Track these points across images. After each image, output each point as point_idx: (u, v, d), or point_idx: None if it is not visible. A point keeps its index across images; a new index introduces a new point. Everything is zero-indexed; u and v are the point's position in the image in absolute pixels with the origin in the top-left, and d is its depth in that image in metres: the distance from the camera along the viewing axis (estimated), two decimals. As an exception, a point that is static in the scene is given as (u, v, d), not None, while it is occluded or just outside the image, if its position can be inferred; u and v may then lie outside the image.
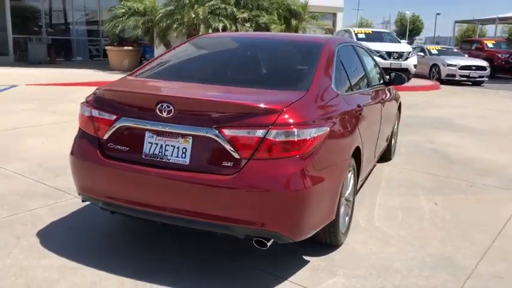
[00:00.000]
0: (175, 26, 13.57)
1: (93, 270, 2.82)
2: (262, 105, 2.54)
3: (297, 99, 2.70)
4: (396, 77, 4.97)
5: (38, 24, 20.68)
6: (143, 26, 14.11)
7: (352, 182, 3.41)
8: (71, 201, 3.86)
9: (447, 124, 8.65)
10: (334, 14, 37.91)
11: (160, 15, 13.61)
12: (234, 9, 13.49)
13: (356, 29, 17.15)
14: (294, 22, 14.84)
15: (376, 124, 4.15)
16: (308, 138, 2.56)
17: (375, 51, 15.08)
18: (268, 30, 14.21)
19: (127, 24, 14.51)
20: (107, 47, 17.07)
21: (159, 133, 2.66)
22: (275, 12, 14.22)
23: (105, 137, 2.81)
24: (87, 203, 3.38)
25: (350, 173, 3.34)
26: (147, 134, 2.69)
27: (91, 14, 21.82)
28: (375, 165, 5.29)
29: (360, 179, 3.75)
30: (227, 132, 2.50)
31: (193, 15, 12.90)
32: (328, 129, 2.73)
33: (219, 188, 2.50)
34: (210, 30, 12.80)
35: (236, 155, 2.51)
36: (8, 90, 10.66)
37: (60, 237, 3.28)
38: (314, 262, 3.06)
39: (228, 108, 2.56)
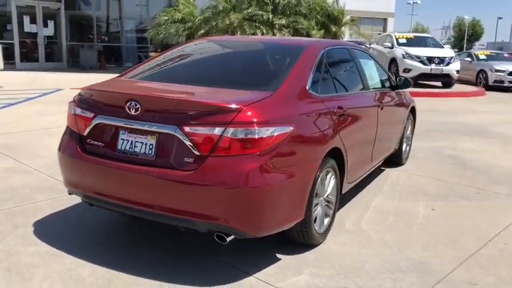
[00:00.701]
0: (213, 32, 13.90)
1: (72, 259, 3.02)
2: (221, 104, 2.65)
3: (260, 98, 2.79)
4: (402, 81, 4.92)
5: (91, 32, 21.76)
6: (183, 32, 14.55)
7: (333, 183, 3.43)
8: (73, 196, 4.10)
9: (479, 131, 8.34)
10: (385, 20, 37.33)
11: (198, 22, 13.99)
12: (271, 16, 13.63)
13: (397, 34, 16.80)
14: (332, 27, 14.77)
15: (371, 127, 4.12)
16: (267, 136, 2.63)
17: (415, 56, 14.76)
18: (308, 36, 14.24)
19: (169, 32, 15.02)
20: (152, 53, 17.72)
21: (129, 130, 2.82)
22: (313, 17, 14.23)
23: (85, 133, 3.01)
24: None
25: (329, 174, 3.36)
26: (120, 130, 2.86)
27: (140, 21, 22.70)
28: (382, 170, 5.25)
29: (348, 181, 3.75)
30: (188, 129, 2.62)
31: (228, 22, 13.17)
32: (293, 128, 2.79)
33: (180, 183, 2.63)
34: (246, 36, 13.01)
35: (196, 152, 2.62)
36: (52, 94, 11.35)
37: (52, 228, 3.52)
38: (286, 260, 3.11)
39: (189, 107, 2.68)
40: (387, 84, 4.90)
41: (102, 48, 21.52)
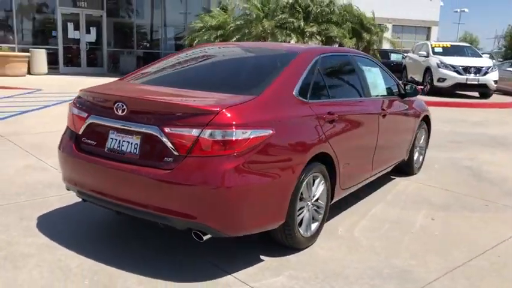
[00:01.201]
0: (245, 39, 14.10)
1: (65, 251, 3.19)
2: (200, 106, 2.76)
3: (240, 102, 2.87)
4: (410, 89, 4.88)
5: (131, 38, 22.49)
6: (215, 40, 14.82)
7: (322, 188, 3.46)
8: (80, 192, 4.32)
9: (503, 143, 8.06)
10: (429, 28, 36.52)
11: (231, 29, 14.24)
12: (302, 23, 13.69)
13: (434, 43, 16.48)
14: (365, 35, 14.66)
15: (370, 134, 4.11)
16: (243, 138, 2.71)
17: (450, 65, 14.42)
18: (340, 44, 14.20)
19: (202, 39, 15.34)
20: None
21: (117, 130, 2.98)
22: (346, 26, 14.18)
23: (80, 132, 3.19)
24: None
25: (318, 179, 3.40)
26: (110, 130, 3.02)
27: (179, 29, 23.26)
28: (392, 178, 5.19)
29: (342, 188, 3.76)
30: (168, 130, 2.74)
31: (260, 29, 13.33)
32: (272, 132, 2.85)
33: (159, 181, 2.75)
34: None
35: (175, 152, 2.73)
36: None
37: (55, 222, 3.72)
38: (268, 262, 3.17)
39: (170, 109, 2.81)
40: (395, 92, 4.87)
41: (141, 54, 22.21)
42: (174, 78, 3.65)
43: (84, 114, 3.15)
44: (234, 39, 14.12)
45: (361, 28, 14.73)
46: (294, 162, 3.04)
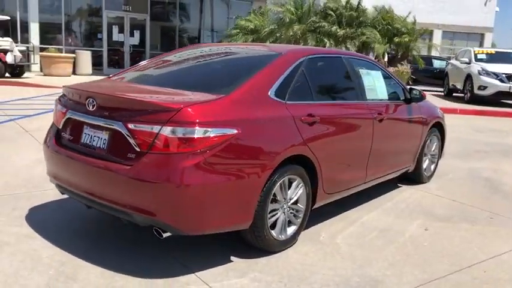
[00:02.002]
0: (278, 43, 14.09)
1: (42, 241, 3.29)
2: (162, 104, 2.78)
3: (205, 100, 2.87)
4: (414, 94, 4.71)
5: (173, 41, 23.01)
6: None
7: (301, 191, 3.39)
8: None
9: (535, 154, 7.60)
10: (482, 35, 35.08)
11: (265, 33, 14.27)
12: (333, 27, 13.51)
13: (477, 49, 15.79)
14: (398, 40, 14.27)
15: (362, 139, 3.99)
16: (203, 137, 2.70)
17: (492, 73, 13.79)
18: (372, 49, 13.90)
19: (237, 43, 15.47)
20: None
21: (90, 125, 3.05)
22: (380, 30, 13.88)
23: (60, 127, 3.29)
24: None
25: (295, 181, 3.34)
26: (84, 125, 3.09)
27: (220, 33, 23.55)
28: (398, 186, 5.01)
29: (327, 192, 3.67)
30: (131, 126, 2.77)
31: (291, 33, 13.28)
32: (236, 131, 2.83)
33: (121, 177, 2.78)
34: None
35: (137, 148, 2.76)
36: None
37: (43, 213, 3.85)
38: (236, 263, 3.14)
39: (134, 105, 2.85)
40: (399, 96, 4.70)
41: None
42: (156, 76, 3.69)
43: (64, 110, 3.25)
44: (268, 42, 14.13)
45: (397, 32, 14.31)
46: (262, 163, 2.99)
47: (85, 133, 3.09)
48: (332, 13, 13.66)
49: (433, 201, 4.73)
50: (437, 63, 22.15)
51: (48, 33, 19.37)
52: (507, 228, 4.09)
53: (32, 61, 17.93)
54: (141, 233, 3.49)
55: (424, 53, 24.16)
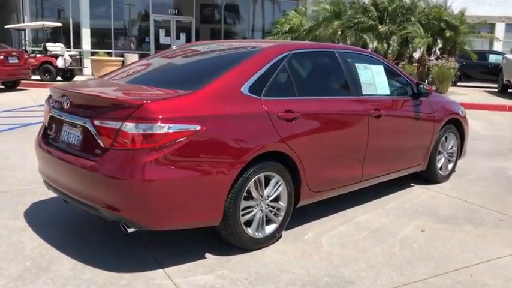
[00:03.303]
0: (316, 41, 13.90)
1: (31, 234, 3.45)
2: (124, 100, 2.85)
3: (169, 97, 2.89)
4: (421, 89, 4.49)
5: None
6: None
7: (281, 189, 3.34)
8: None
9: None
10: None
11: (304, 32, 14.13)
12: (375, 23, 13.12)
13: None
14: (449, 34, 13.63)
15: (354, 135, 3.84)
16: (163, 132, 2.72)
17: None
18: (413, 44, 13.37)
19: (277, 42, 15.44)
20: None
21: (67, 123, 3.15)
22: (425, 24, 13.32)
23: (46, 124, 3.43)
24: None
25: (273, 179, 3.29)
26: (63, 123, 3.21)
27: (263, 34, 23.64)
28: (411, 186, 4.79)
29: (313, 190, 3.58)
30: (96, 122, 2.85)
31: (330, 30, 13.05)
32: (200, 127, 2.82)
33: (88, 172, 2.86)
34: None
35: (102, 144, 2.83)
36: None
37: (43, 208, 4.02)
38: (209, 259, 3.14)
39: (100, 102, 2.93)
40: (405, 92, 4.50)
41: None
42: (139, 75, 3.75)
43: (48, 108, 3.39)
44: (307, 41, 13.99)
45: (446, 26, 13.65)
46: (229, 159, 2.96)
47: (63, 130, 3.20)
48: (372, 8, 13.27)
49: (442, 202, 4.49)
50: (493, 58, 20.91)
51: (99, 38, 20.24)
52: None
53: (83, 65, 18.80)
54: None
55: (486, 47, 22.95)
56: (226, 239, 3.20)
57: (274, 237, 3.38)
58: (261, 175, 3.19)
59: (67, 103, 3.08)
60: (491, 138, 8.11)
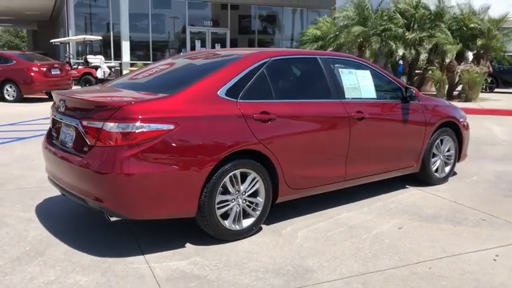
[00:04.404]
0: (342, 48, 14.05)
1: (37, 224, 3.87)
2: (106, 102, 3.21)
3: (147, 100, 3.24)
4: (410, 93, 4.64)
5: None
6: (316, 50, 14.97)
7: (258, 185, 3.59)
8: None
9: None
10: None
11: (330, 39, 14.29)
12: (401, 30, 13.10)
13: None
14: (480, 42, 13.42)
15: (334, 136, 4.04)
16: (139, 131, 3.06)
17: None
18: (443, 51, 13.22)
19: (305, 49, 15.66)
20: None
21: (64, 124, 3.55)
22: (457, 31, 13.19)
23: (51, 127, 3.85)
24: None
25: (250, 175, 3.55)
26: (62, 124, 3.61)
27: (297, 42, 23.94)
28: (405, 187, 4.92)
29: (292, 188, 3.81)
30: (84, 123, 3.22)
31: (352, 37, 13.15)
32: (174, 127, 3.14)
33: (76, 167, 3.24)
34: (368, 53, 12.90)
35: (89, 142, 3.20)
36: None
37: (53, 203, 4.45)
38: (187, 248, 3.44)
39: (88, 105, 3.30)
40: (394, 95, 4.66)
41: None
42: (131, 81, 4.12)
43: (52, 111, 3.81)
44: (331, 48, 14.15)
45: (479, 33, 13.41)
46: (202, 156, 3.26)
47: (62, 131, 3.61)
48: (398, 15, 13.27)
49: (430, 202, 4.59)
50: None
51: (137, 50, 21.22)
52: (493, 230, 3.88)
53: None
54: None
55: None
56: (204, 230, 3.49)
57: (251, 230, 3.63)
58: (237, 172, 3.47)
59: (63, 106, 3.48)
60: (509, 144, 8.00)
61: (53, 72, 14.46)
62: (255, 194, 3.63)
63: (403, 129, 4.69)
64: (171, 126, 3.14)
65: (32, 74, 13.85)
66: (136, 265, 3.16)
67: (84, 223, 3.95)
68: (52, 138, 3.83)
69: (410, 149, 4.80)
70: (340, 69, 4.29)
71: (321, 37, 15.17)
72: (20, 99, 13.82)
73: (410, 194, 4.86)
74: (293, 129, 3.77)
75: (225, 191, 3.46)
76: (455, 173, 5.66)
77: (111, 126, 3.08)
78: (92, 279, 2.95)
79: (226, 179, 3.42)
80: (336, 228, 3.87)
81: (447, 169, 5.31)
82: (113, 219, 3.23)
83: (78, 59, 19.75)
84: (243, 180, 3.55)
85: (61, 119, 3.58)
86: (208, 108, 3.38)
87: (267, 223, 3.87)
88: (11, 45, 52.27)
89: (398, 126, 4.65)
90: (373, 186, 4.85)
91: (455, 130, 5.28)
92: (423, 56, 13.61)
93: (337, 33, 13.85)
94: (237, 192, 3.52)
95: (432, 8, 13.84)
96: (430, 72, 13.77)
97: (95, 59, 17.43)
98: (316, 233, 3.75)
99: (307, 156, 3.90)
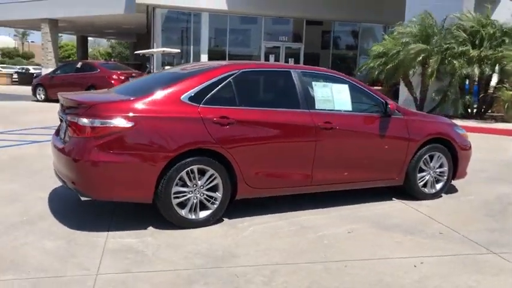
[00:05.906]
0: (401, 66, 13.88)
1: (44, 201, 4.68)
2: (83, 102, 3.90)
3: (115, 101, 3.90)
4: (387, 107, 4.82)
5: (326, 67, 24.05)
6: (378, 67, 14.88)
7: (216, 182, 4.07)
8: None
9: None
10: None
11: (392, 56, 14.15)
12: (466, 48, 12.65)
13: None
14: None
15: (298, 142, 4.37)
16: (104, 126, 3.71)
17: None
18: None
19: (369, 66, 15.62)
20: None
21: (62, 120, 4.31)
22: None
23: (58, 123, 4.66)
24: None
25: (208, 172, 4.03)
26: (62, 121, 4.38)
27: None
28: (392, 200, 5.06)
29: (252, 186, 4.22)
30: (69, 118, 3.95)
31: (412, 55, 12.93)
32: (133, 124, 3.75)
33: (61, 154, 3.98)
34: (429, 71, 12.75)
35: (70, 134, 3.92)
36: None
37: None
38: (149, 230, 3.98)
39: (72, 104, 4.04)
40: (375, 109, 4.86)
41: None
42: (127, 88, 4.79)
43: (58, 110, 4.61)
44: (390, 65, 14.01)
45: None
46: (159, 151, 3.82)
47: (62, 127, 4.37)
48: (461, 33, 12.84)
49: (402, 214, 4.70)
50: None
51: (213, 63, 22.46)
52: (440, 242, 3.95)
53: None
54: (118, 206, 4.56)
55: None
56: (164, 216, 4.02)
57: (208, 221, 4.10)
58: (194, 168, 3.98)
59: (62, 105, 4.26)
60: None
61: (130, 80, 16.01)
62: (213, 189, 4.10)
63: (379, 142, 4.85)
64: (131, 124, 3.75)
65: (112, 81, 15.44)
66: (96, 238, 3.78)
67: (82, 205, 4.66)
68: (57, 134, 4.62)
69: (389, 162, 4.95)
70: (313, 83, 4.62)
71: (384, 53, 15.05)
72: (100, 103, 15.49)
73: (390, 206, 4.99)
74: (253, 133, 4.19)
75: (184, 184, 3.98)
76: (456, 191, 5.64)
77: (83, 121, 3.76)
78: (56, 245, 3.63)
79: (183, 173, 3.94)
80: (288, 227, 4.20)
81: (439, 186, 5.32)
82: (83, 198, 3.90)
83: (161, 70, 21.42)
84: (203, 176, 4.04)
85: (61, 117, 4.35)
86: (170, 111, 3.94)
87: (230, 217, 4.31)
88: (122, 56, 57.32)
89: (374, 139, 4.83)
90: (359, 196, 5.07)
91: (449, 147, 5.29)
92: (487, 73, 13.06)
93: (400, 49, 13.70)
94: (194, 186, 4.02)
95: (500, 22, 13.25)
96: (500, 92, 13.14)
97: (171, 70, 18.86)
98: (267, 230, 4.11)
99: (268, 159, 4.29)
